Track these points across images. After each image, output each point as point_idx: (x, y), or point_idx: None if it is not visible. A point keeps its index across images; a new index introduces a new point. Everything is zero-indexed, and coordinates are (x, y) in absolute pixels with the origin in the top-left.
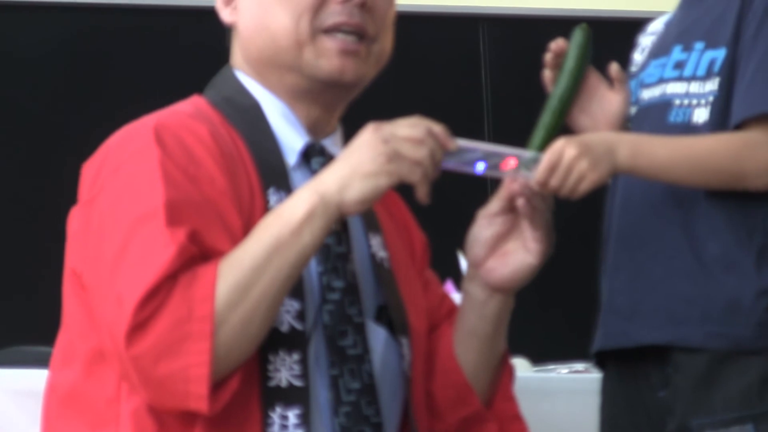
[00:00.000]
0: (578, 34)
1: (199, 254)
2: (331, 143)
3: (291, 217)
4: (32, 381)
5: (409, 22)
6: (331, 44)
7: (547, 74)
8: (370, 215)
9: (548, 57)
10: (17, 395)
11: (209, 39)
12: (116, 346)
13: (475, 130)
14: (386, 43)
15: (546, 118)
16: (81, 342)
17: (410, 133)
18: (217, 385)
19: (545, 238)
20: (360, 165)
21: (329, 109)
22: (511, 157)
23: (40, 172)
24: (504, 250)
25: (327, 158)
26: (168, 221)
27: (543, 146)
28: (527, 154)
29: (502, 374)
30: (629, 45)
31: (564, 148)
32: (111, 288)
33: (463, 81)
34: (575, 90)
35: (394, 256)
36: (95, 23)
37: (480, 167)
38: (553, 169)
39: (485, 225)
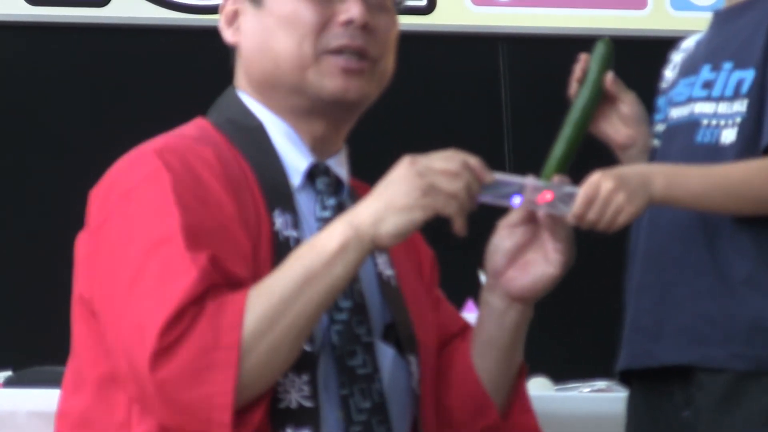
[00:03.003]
0: (600, 47)
1: (221, 279)
2: (335, 163)
3: (324, 248)
4: (51, 401)
5: (428, 42)
6: (335, 63)
7: (572, 88)
8: None
9: (575, 73)
10: (36, 416)
11: (228, 59)
12: (135, 369)
13: (495, 149)
14: (389, 64)
15: (567, 131)
16: (91, 367)
17: (446, 166)
18: (240, 416)
19: (566, 249)
20: (395, 199)
21: (334, 128)
22: (547, 191)
23: (61, 189)
24: (524, 260)
25: (332, 178)
26: (187, 245)
27: (563, 159)
28: (564, 188)
29: (519, 386)
30: (648, 63)
31: (600, 182)
32: (128, 312)
33: (483, 101)
34: (596, 101)
35: (401, 273)
36: (117, 43)
37: (516, 201)
38: (590, 203)
39: (506, 235)
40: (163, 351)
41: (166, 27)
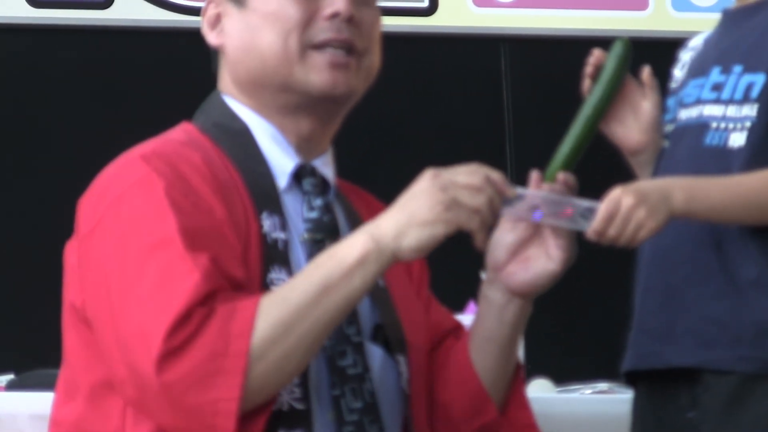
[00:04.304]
0: (618, 46)
1: (224, 280)
2: (321, 163)
3: (343, 259)
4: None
5: (430, 43)
6: (321, 59)
7: (585, 84)
8: None
9: (587, 69)
10: (38, 418)
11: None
12: (137, 372)
13: (497, 150)
14: (375, 58)
15: (576, 128)
16: (83, 375)
17: (469, 180)
18: (243, 422)
19: (568, 245)
20: (417, 213)
21: (321, 125)
22: (568, 206)
23: (67, 191)
24: (525, 256)
25: (318, 179)
26: (186, 247)
27: (570, 156)
28: (584, 203)
29: (516, 382)
30: (650, 64)
31: (621, 198)
32: (127, 316)
33: (485, 102)
34: (609, 100)
35: (389, 274)
36: (120, 45)
37: (537, 215)
38: (610, 218)
39: (508, 229)
40: (171, 353)
41: (169, 29)
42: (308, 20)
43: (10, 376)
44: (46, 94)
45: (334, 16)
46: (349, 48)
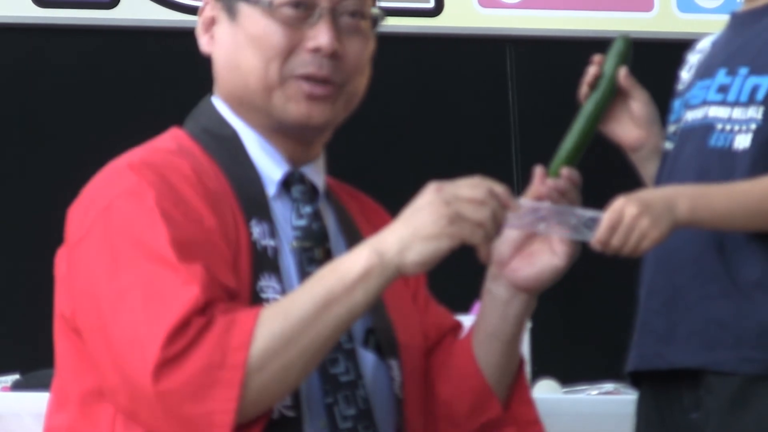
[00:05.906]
0: (619, 43)
1: (220, 289)
2: (311, 170)
3: (347, 273)
4: None
5: (435, 44)
6: (299, 89)
7: (583, 90)
8: (355, 236)
9: (587, 77)
10: (42, 418)
11: None
12: (131, 380)
13: (502, 151)
14: (358, 85)
15: (579, 124)
16: (74, 384)
17: (472, 194)
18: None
19: (572, 241)
20: (421, 227)
21: (305, 145)
22: (572, 217)
23: (71, 192)
24: (530, 251)
25: (307, 186)
26: (179, 257)
27: (573, 151)
28: (588, 213)
29: (519, 378)
30: (655, 65)
31: (624, 208)
32: (120, 325)
33: (490, 102)
34: (611, 96)
35: None
36: (126, 45)
37: (541, 227)
38: (614, 228)
39: None
40: (168, 362)
41: (175, 29)
42: (291, 50)
43: (16, 376)
44: (51, 94)
45: (316, 50)
46: (327, 80)
